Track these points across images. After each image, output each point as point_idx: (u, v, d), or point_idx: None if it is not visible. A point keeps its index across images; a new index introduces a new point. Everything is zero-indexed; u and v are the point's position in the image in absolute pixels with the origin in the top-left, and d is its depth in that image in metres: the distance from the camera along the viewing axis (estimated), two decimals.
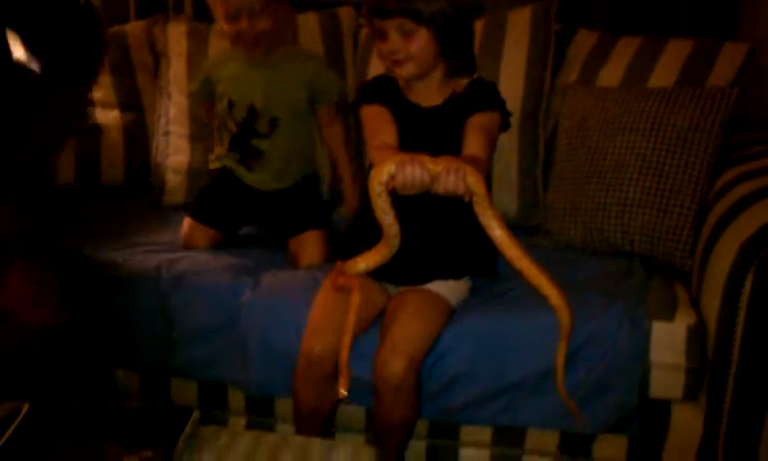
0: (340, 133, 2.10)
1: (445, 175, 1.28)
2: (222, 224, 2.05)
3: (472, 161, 1.38)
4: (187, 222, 2.04)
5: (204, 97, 2.14)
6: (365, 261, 1.45)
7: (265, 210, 2.07)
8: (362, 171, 2.20)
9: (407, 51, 1.59)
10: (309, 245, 1.98)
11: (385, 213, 1.32)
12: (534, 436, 1.69)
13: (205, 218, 2.03)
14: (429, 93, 1.67)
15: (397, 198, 1.38)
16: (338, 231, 1.99)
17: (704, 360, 1.56)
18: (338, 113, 2.11)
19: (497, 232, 1.31)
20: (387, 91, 1.68)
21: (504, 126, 1.69)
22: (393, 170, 1.29)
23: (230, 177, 2.07)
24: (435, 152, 1.34)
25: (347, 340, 1.43)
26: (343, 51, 2.29)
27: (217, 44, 2.30)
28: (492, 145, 1.61)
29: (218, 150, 2.11)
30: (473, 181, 1.27)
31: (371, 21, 1.61)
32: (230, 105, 2.02)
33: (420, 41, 1.58)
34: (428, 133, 1.62)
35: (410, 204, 1.47)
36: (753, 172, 1.70)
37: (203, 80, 2.11)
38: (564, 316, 1.34)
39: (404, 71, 1.62)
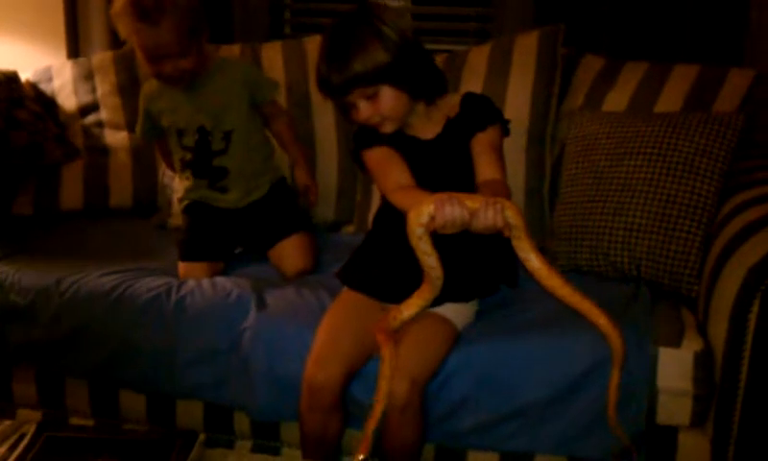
0: (284, 122, 2.10)
1: (484, 211, 1.28)
2: (213, 254, 2.03)
3: (494, 184, 1.38)
4: (182, 266, 2.01)
5: (152, 136, 2.11)
6: (408, 308, 1.43)
7: (244, 228, 2.05)
8: (367, 195, 2.21)
9: (380, 113, 1.59)
10: (289, 252, 1.99)
11: (428, 255, 1.32)
12: None
13: (197, 255, 2.01)
14: (424, 125, 1.67)
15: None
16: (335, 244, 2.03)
17: (711, 387, 1.56)
18: (279, 107, 2.13)
19: (536, 265, 1.31)
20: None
21: (504, 133, 1.69)
22: (432, 211, 1.28)
23: (202, 207, 2.06)
24: (443, 182, 1.35)
25: (378, 410, 1.38)
26: None
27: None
28: (502, 161, 1.62)
29: (184, 184, 2.08)
30: (512, 215, 1.27)
31: (337, 100, 1.62)
32: (180, 134, 2.00)
33: (387, 98, 1.58)
34: (433, 164, 1.63)
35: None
36: (759, 198, 1.70)
37: (144, 117, 2.06)
38: (615, 341, 1.34)
39: (387, 128, 1.63)
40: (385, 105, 1.59)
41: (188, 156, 2.01)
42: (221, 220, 2.05)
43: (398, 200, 1.52)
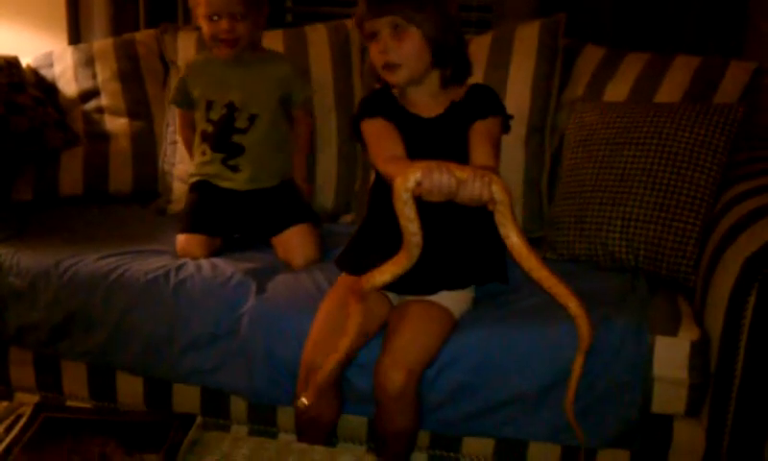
0: (305, 129, 2.18)
1: (472, 181, 1.28)
2: (214, 229, 2.05)
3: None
4: (181, 237, 2.03)
5: (181, 106, 2.18)
6: (382, 274, 1.43)
7: (247, 213, 2.07)
8: (365, 184, 2.21)
9: (399, 52, 1.59)
10: (297, 241, 1.99)
11: (411, 221, 1.31)
12: (536, 450, 1.68)
13: (196, 228, 2.03)
14: (428, 104, 1.67)
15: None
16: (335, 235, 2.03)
17: (706, 376, 1.56)
18: (306, 115, 2.19)
19: (515, 244, 1.30)
20: (387, 105, 1.68)
21: (505, 128, 1.69)
22: (419, 176, 1.28)
23: (209, 187, 2.09)
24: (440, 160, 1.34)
25: (329, 362, 1.38)
26: (351, 63, 2.31)
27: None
28: (497, 151, 1.62)
29: (198, 159, 2.12)
30: (498, 190, 1.27)
31: (363, 25, 1.62)
32: (208, 106, 2.07)
33: (413, 42, 1.59)
34: (431, 143, 1.63)
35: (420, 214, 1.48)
36: (757, 189, 1.70)
37: (179, 84, 2.15)
38: (583, 325, 1.33)
39: (397, 77, 1.63)
40: (407, 48, 1.59)
41: (210, 128, 2.07)
42: (226, 201, 2.07)
43: (388, 169, 1.51)
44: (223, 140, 2.07)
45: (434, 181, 1.27)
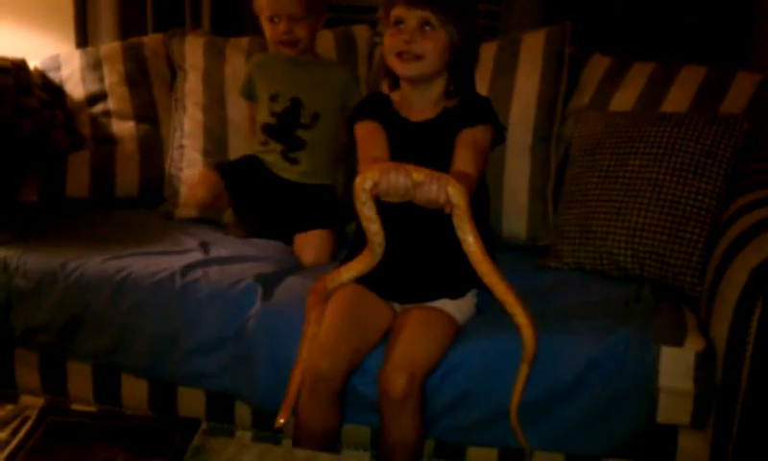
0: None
1: (428, 183, 1.28)
2: (236, 192, 2.09)
3: (460, 176, 1.38)
4: (199, 173, 2.12)
5: (248, 96, 2.24)
6: (348, 271, 1.43)
7: (282, 201, 2.12)
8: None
9: (423, 46, 1.60)
10: (314, 242, 2.03)
11: (371, 221, 1.32)
12: (541, 459, 1.68)
13: (226, 174, 2.08)
14: (423, 108, 1.68)
15: (403, 215, 1.38)
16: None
17: (712, 387, 1.56)
18: None
19: (471, 247, 1.31)
20: (380, 108, 1.70)
21: (498, 139, 1.69)
22: (376, 177, 1.29)
23: (261, 166, 2.14)
24: (427, 166, 1.34)
25: (296, 374, 1.36)
26: (357, 69, 2.31)
27: (234, 59, 2.33)
28: (482, 160, 1.61)
29: (257, 147, 2.18)
30: (454, 193, 1.27)
31: (392, 9, 1.62)
32: (272, 98, 2.14)
33: (436, 42, 1.60)
34: (420, 147, 1.63)
35: (412, 221, 1.48)
36: (764, 200, 1.70)
37: (246, 78, 2.22)
38: (527, 335, 1.33)
39: (411, 69, 1.63)
40: (431, 45, 1.60)
41: (274, 121, 2.14)
42: (274, 186, 2.13)
43: (363, 169, 1.52)
44: (286, 132, 2.13)
45: (390, 182, 1.28)
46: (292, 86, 2.14)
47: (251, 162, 2.15)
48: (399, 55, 1.62)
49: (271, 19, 2.09)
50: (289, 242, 2.09)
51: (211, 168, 2.16)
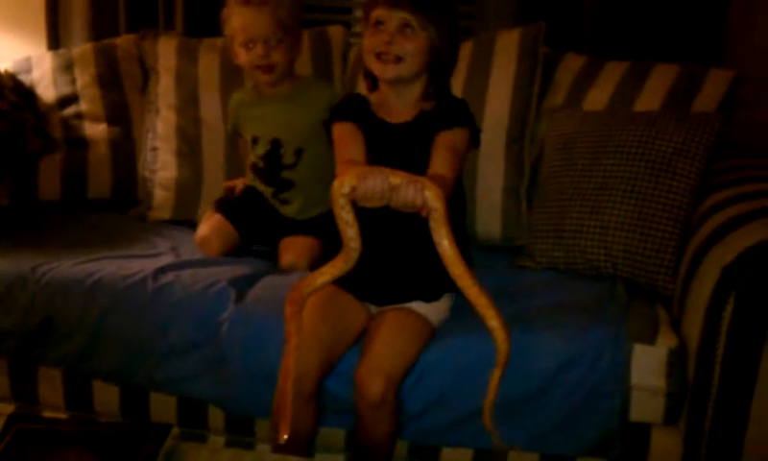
0: None
1: (405, 187, 1.28)
2: (244, 228, 2.07)
3: (436, 179, 1.38)
4: (213, 218, 2.06)
5: (236, 135, 2.20)
6: (321, 275, 1.43)
7: (279, 231, 2.08)
8: None
9: (403, 48, 1.59)
10: (297, 247, 2.00)
11: (348, 225, 1.32)
12: (515, 459, 1.68)
13: (231, 216, 2.06)
14: (400, 110, 1.68)
15: (379, 218, 1.38)
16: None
17: (684, 384, 1.56)
18: None
19: (446, 250, 1.31)
20: (358, 109, 1.69)
21: (474, 143, 1.69)
22: (354, 181, 1.29)
23: (261, 198, 2.12)
24: (404, 168, 1.34)
25: (288, 386, 1.31)
26: (332, 70, 2.31)
27: (207, 60, 2.31)
28: (458, 163, 1.61)
29: (252, 183, 2.15)
30: (431, 196, 1.28)
31: (372, 9, 1.61)
32: (254, 140, 2.10)
33: (417, 44, 1.59)
34: (397, 149, 1.63)
35: (389, 223, 1.47)
36: (735, 197, 1.71)
37: (231, 121, 2.18)
38: (500, 339, 1.33)
39: (390, 71, 1.62)
40: (413, 45, 1.59)
41: (260, 163, 2.10)
42: (266, 212, 2.11)
43: (340, 171, 1.52)
44: (273, 176, 2.09)
45: (368, 186, 1.28)
46: (271, 127, 2.08)
47: (251, 194, 2.12)
48: (378, 56, 1.61)
49: (245, 45, 2.00)
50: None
51: (215, 209, 2.10)
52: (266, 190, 2.11)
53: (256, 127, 2.10)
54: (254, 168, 2.12)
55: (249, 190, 2.14)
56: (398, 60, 1.60)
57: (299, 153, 2.07)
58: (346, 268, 1.38)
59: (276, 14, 1.97)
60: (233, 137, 2.23)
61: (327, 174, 2.07)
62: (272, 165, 2.08)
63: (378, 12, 1.60)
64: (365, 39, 1.64)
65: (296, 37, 2.06)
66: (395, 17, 1.58)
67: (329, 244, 2.00)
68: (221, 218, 2.06)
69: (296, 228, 2.07)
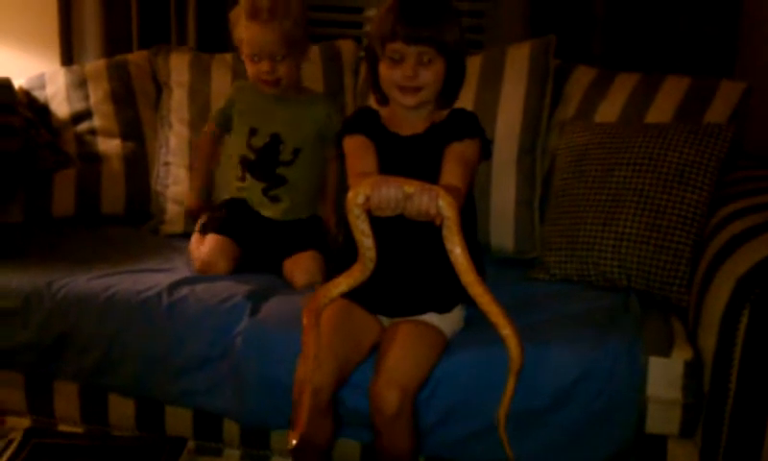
0: (335, 170, 2.17)
1: (419, 195, 1.29)
2: (243, 242, 2.05)
3: (448, 190, 1.39)
4: (211, 239, 2.02)
5: (218, 124, 2.19)
6: (337, 286, 1.43)
7: (275, 239, 2.07)
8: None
9: (424, 78, 1.61)
10: (304, 263, 1.99)
11: (364, 235, 1.33)
12: None
13: (230, 233, 2.03)
14: (412, 123, 1.69)
15: (391, 230, 1.38)
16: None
17: (700, 396, 1.56)
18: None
19: (458, 258, 1.31)
20: (369, 122, 1.70)
21: (485, 155, 1.70)
22: (368, 191, 1.29)
23: (244, 206, 2.10)
24: (416, 180, 1.34)
25: (305, 398, 1.35)
26: (343, 83, 2.32)
27: (219, 75, 2.33)
28: (469, 174, 1.61)
29: (236, 184, 2.13)
30: (445, 205, 1.28)
31: (386, 45, 1.61)
32: (252, 132, 2.09)
33: (436, 70, 1.61)
34: (408, 161, 1.63)
35: (401, 235, 1.47)
36: (748, 208, 1.71)
37: (226, 103, 2.17)
38: (513, 347, 1.33)
39: (415, 99, 1.63)
40: (431, 75, 1.61)
41: (252, 156, 2.08)
42: (259, 224, 2.08)
43: (353, 183, 1.52)
44: (267, 170, 2.08)
45: (382, 195, 1.28)
46: (273, 122, 2.08)
47: (233, 206, 2.11)
48: (401, 88, 1.63)
49: (251, 58, 2.02)
50: (278, 272, 2.03)
51: (208, 231, 2.06)
52: (254, 186, 2.08)
53: (256, 118, 2.10)
54: (244, 161, 2.09)
55: (229, 203, 2.13)
56: (420, 89, 1.62)
57: (296, 152, 2.07)
58: (362, 277, 1.39)
59: (283, 29, 1.98)
60: (210, 133, 2.21)
61: (318, 180, 2.13)
62: (268, 159, 2.08)
63: (396, 47, 1.60)
64: (382, 69, 1.64)
65: (302, 49, 2.07)
66: (413, 51, 1.59)
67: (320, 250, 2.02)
68: (218, 237, 2.03)
69: (280, 231, 2.07)
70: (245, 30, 2.00)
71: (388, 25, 1.60)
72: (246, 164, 2.09)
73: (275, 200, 2.08)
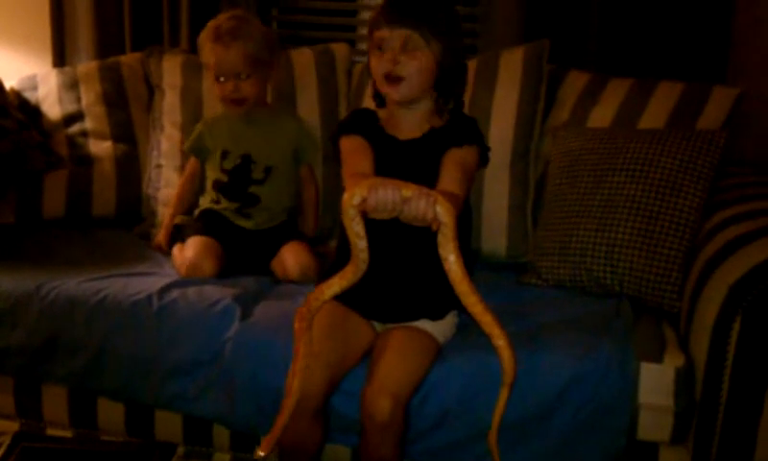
0: (313, 191, 2.22)
1: (416, 199, 1.28)
2: (225, 246, 2.05)
3: (446, 196, 1.38)
4: (194, 241, 2.02)
5: (195, 151, 2.20)
6: (329, 288, 1.43)
7: (252, 246, 2.08)
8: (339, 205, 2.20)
9: (407, 66, 1.59)
10: (293, 255, 2.01)
11: (359, 237, 1.31)
12: None
13: (211, 236, 2.04)
14: (410, 127, 1.68)
15: (384, 234, 1.37)
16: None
17: (692, 403, 1.56)
18: (313, 175, 2.23)
19: (452, 266, 1.30)
20: (366, 124, 1.69)
21: (483, 161, 1.69)
22: (365, 193, 1.28)
23: (218, 216, 2.11)
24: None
25: (286, 407, 1.33)
26: (337, 86, 2.31)
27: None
28: (468, 181, 1.61)
29: (208, 205, 2.14)
30: (443, 211, 1.27)
31: (375, 31, 1.61)
32: (223, 155, 2.12)
33: (421, 61, 1.59)
34: (405, 165, 1.62)
35: (395, 240, 1.47)
36: (741, 215, 1.71)
37: (196, 135, 2.19)
38: (506, 357, 1.32)
39: (397, 92, 1.62)
40: (415, 64, 1.59)
41: (225, 178, 2.12)
42: (234, 232, 2.10)
43: (348, 184, 1.52)
44: (239, 191, 2.11)
45: (379, 197, 1.27)
46: (243, 143, 2.11)
47: (209, 215, 2.12)
48: (387, 77, 1.61)
49: (217, 79, 2.07)
50: (266, 273, 2.04)
51: (189, 234, 2.06)
52: (228, 206, 2.11)
53: (227, 141, 2.13)
54: (217, 184, 2.13)
55: (205, 213, 2.14)
56: (401, 79, 1.60)
57: (268, 170, 2.11)
58: (354, 279, 1.38)
59: (246, 50, 2.03)
60: (189, 174, 2.23)
61: (289, 197, 2.16)
62: (240, 180, 2.11)
63: (381, 33, 1.60)
64: (371, 61, 1.64)
65: (268, 69, 2.11)
66: (397, 36, 1.58)
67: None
68: (202, 238, 2.03)
69: (258, 238, 2.09)
70: (209, 52, 2.06)
71: (376, 13, 1.61)
72: (218, 187, 2.13)
73: (248, 217, 2.12)
